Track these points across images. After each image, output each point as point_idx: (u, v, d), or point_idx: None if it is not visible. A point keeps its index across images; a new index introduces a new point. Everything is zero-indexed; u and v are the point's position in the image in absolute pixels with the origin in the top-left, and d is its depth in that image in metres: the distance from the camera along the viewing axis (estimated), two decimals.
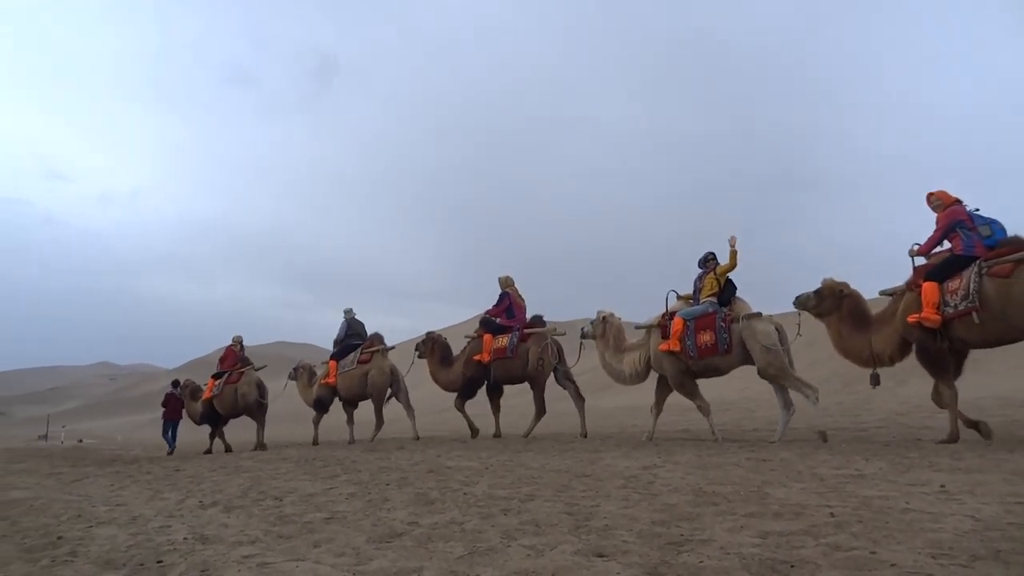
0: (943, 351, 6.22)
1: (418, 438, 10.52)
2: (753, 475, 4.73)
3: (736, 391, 16.65)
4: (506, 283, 10.07)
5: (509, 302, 9.88)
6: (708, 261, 8.19)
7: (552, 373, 9.62)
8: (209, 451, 12.21)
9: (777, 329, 7.54)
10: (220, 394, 12.18)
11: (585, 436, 9.13)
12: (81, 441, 36.56)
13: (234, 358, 12.51)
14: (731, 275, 8.02)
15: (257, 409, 11.83)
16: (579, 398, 9.64)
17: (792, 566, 2.56)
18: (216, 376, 12.58)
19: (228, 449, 12.16)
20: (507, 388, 10.16)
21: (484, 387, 10.00)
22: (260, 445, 11.47)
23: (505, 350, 9.52)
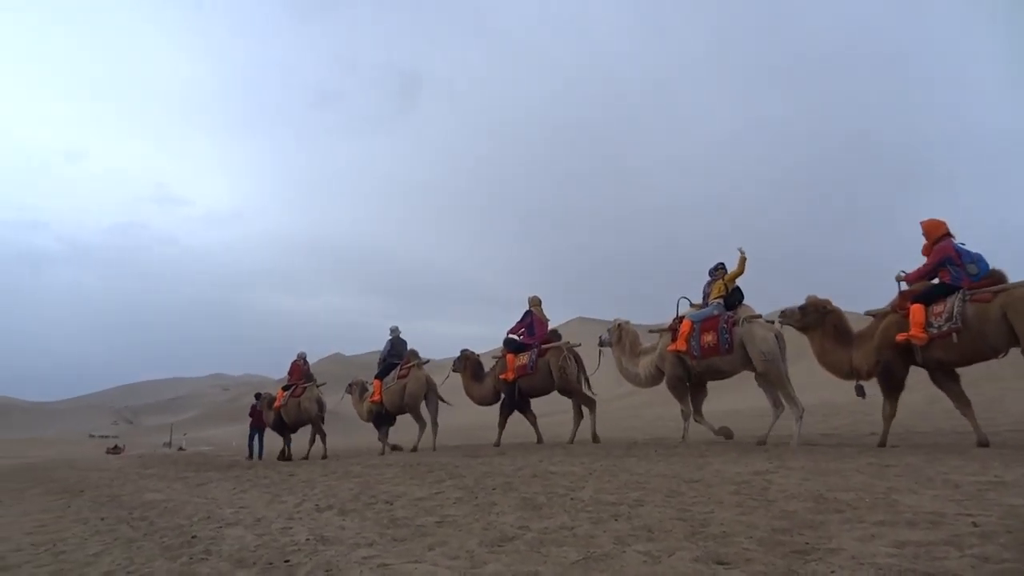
0: (904, 370, 7.03)
1: (415, 449, 11.04)
2: (877, 481, 4.45)
3: (844, 394, 15.80)
4: (533, 302, 10.67)
5: (531, 320, 10.45)
6: (718, 270, 8.75)
7: (576, 375, 10.01)
8: (285, 456, 13.05)
9: (777, 336, 7.98)
10: (286, 405, 13.13)
11: (597, 441, 9.63)
12: (196, 449, 38.98)
13: (299, 373, 13.31)
14: (740, 282, 8.54)
15: (317, 421, 12.70)
16: (591, 402, 10.15)
17: None
18: (285, 388, 13.47)
19: (287, 457, 12.94)
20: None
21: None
22: (324, 454, 12.20)
23: (526, 367, 10.10)
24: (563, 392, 10.16)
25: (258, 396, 16.32)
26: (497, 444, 10.49)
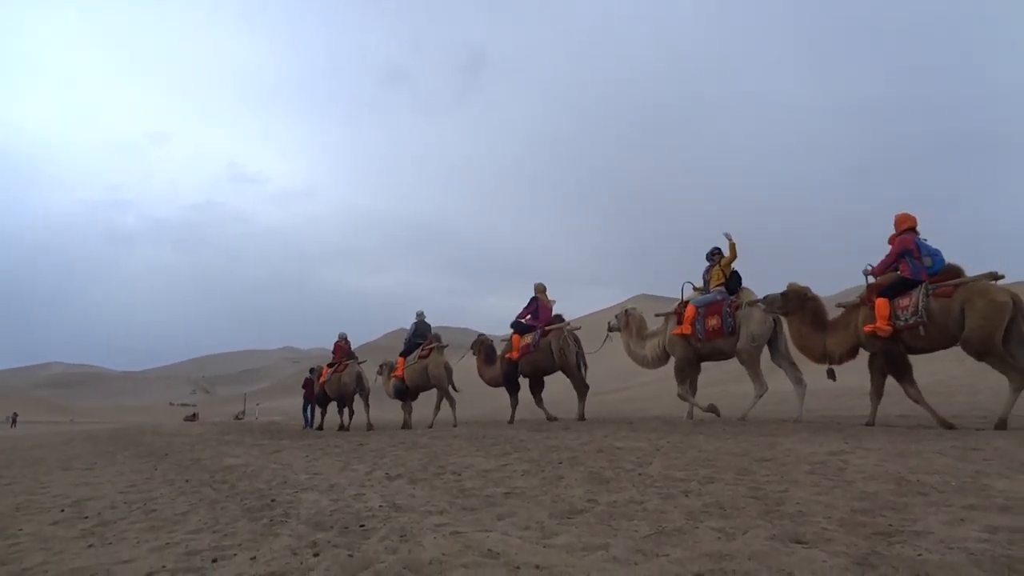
0: (904, 354, 7.29)
1: (431, 426, 11.59)
2: (963, 464, 4.26)
3: (927, 375, 15.14)
4: (538, 289, 11.31)
5: (537, 305, 11.11)
6: (714, 255, 9.40)
7: (575, 357, 10.58)
8: (343, 427, 14.14)
9: (775, 320, 8.62)
10: (329, 381, 14.59)
11: (582, 418, 10.30)
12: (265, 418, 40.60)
13: (341, 352, 14.69)
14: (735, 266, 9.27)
15: (359, 395, 13.91)
16: (583, 386, 10.72)
17: None
18: (329, 365, 14.97)
19: (342, 427, 14.16)
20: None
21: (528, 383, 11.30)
22: (368, 425, 13.43)
23: (530, 346, 10.80)
24: (563, 371, 10.73)
25: (312, 371, 17.78)
26: (511, 421, 11.09)
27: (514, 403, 11.47)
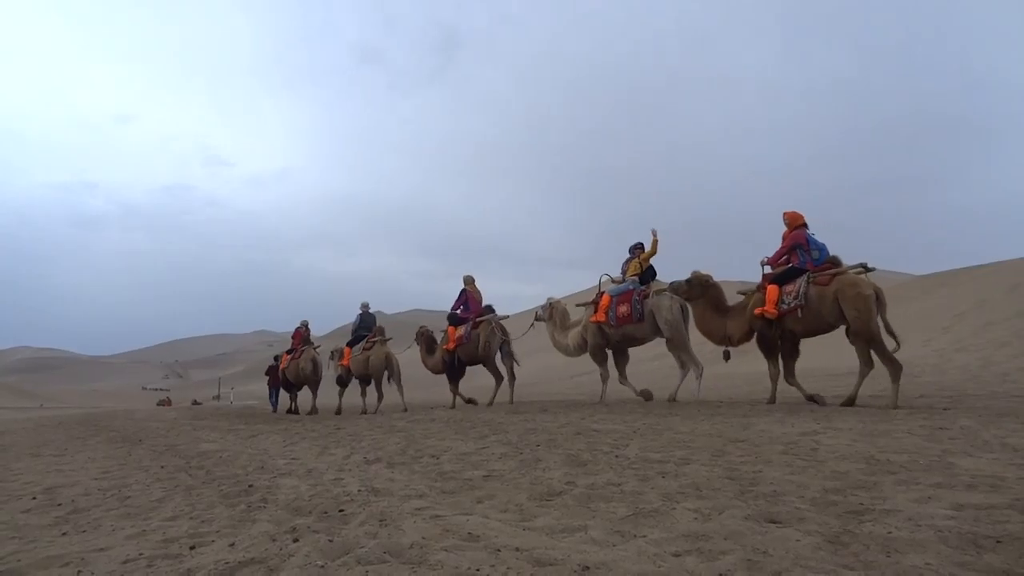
0: (775, 338, 8.26)
1: (405, 410, 11.96)
2: (930, 444, 4.38)
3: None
4: (467, 281, 11.96)
5: (466, 297, 11.76)
6: (636, 249, 10.08)
7: (499, 349, 11.28)
8: (313, 411, 14.80)
9: (682, 307, 9.30)
10: (288, 367, 15.47)
11: (512, 402, 10.87)
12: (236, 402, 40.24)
13: (300, 338, 15.49)
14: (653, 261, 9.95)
15: (312, 381, 14.83)
16: (512, 376, 11.33)
17: (998, 541, 2.34)
18: (288, 352, 15.87)
19: (295, 411, 15.44)
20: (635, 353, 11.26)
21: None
22: (313, 409, 14.78)
23: (463, 338, 11.44)
24: (483, 361, 11.45)
25: (276, 358, 18.23)
26: (452, 407, 11.68)
27: (453, 390, 12.12)
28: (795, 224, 8.30)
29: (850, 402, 7.41)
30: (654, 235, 9.79)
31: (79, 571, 2.80)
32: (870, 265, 7.88)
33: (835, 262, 7.90)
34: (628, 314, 9.57)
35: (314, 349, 15.12)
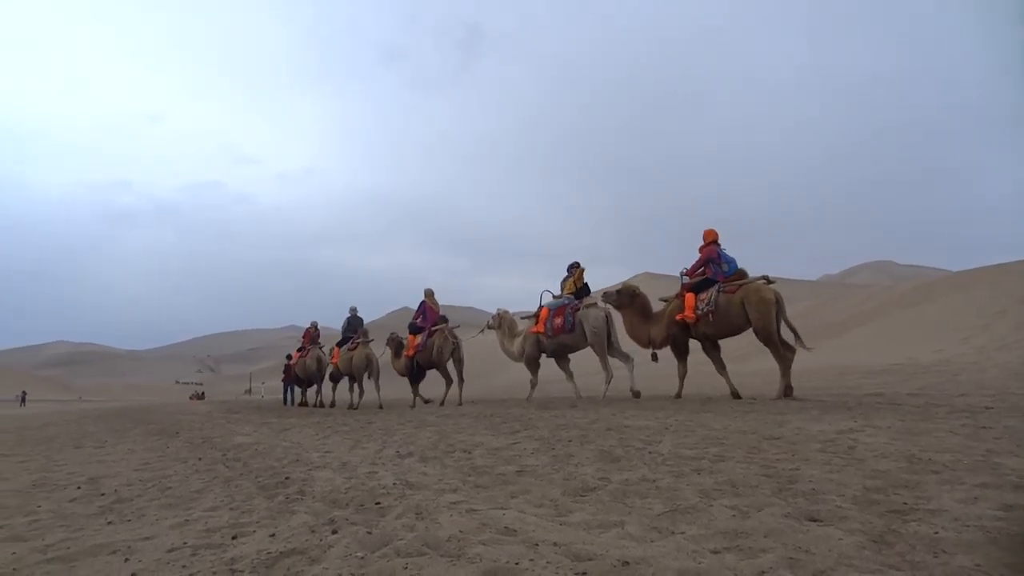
0: (686, 341, 9.55)
1: (380, 407, 13.30)
2: (974, 443, 4.27)
3: (930, 352, 15.15)
4: (427, 294, 13.00)
5: (425, 308, 12.84)
6: (573, 269, 11.22)
7: (451, 355, 12.25)
8: (318, 404, 16.54)
9: (607, 316, 10.36)
10: (298, 364, 17.09)
11: (460, 404, 11.61)
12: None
13: (309, 337, 16.92)
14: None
15: (317, 378, 16.35)
16: (460, 379, 12.35)
17: None
18: (299, 351, 17.30)
19: (304, 404, 17.21)
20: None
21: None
22: (320, 403, 16.41)
23: (420, 346, 12.56)
24: (436, 366, 12.47)
25: (288, 356, 19.76)
26: (412, 406, 12.82)
27: (414, 391, 13.52)
28: (708, 240, 9.52)
29: (779, 395, 8.33)
30: (580, 267, 11.17)
31: (126, 559, 2.87)
32: (772, 277, 8.98)
33: (742, 274, 9.14)
34: (561, 325, 10.64)
35: (320, 349, 16.45)
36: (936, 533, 2.43)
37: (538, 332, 10.99)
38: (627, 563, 2.31)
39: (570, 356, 11.48)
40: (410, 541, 2.69)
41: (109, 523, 3.65)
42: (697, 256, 9.56)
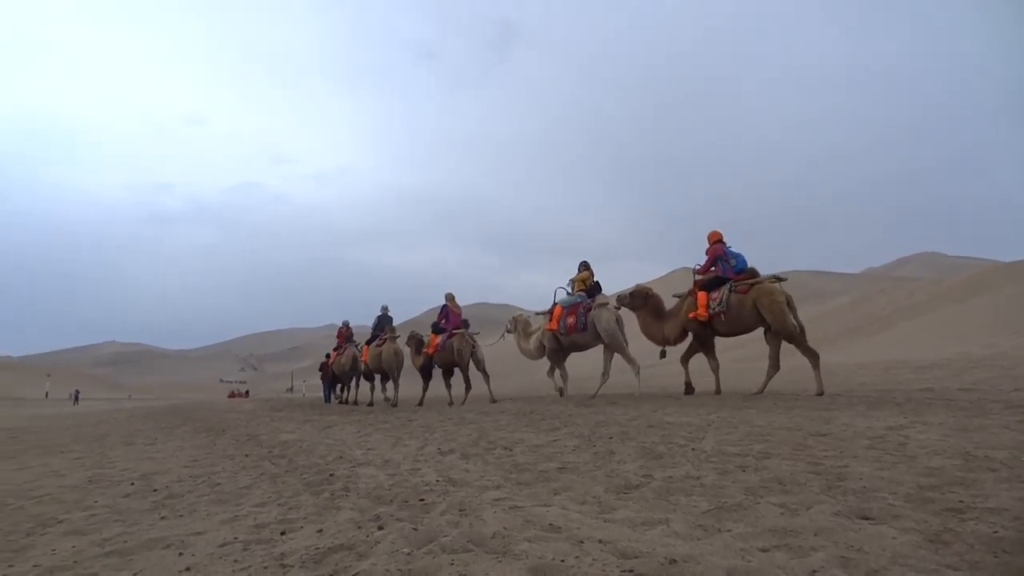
0: (709, 336, 9.76)
1: (395, 404, 13.88)
2: None
3: (982, 346, 14.68)
4: (448, 298, 13.45)
5: (447, 311, 13.26)
6: (584, 269, 11.56)
7: (471, 358, 12.50)
8: (344, 400, 17.46)
9: (617, 319, 10.62)
10: (333, 363, 17.69)
11: (493, 401, 11.71)
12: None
13: (343, 337, 17.47)
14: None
15: (350, 376, 16.81)
16: (485, 376, 12.67)
17: None
18: (335, 349, 17.83)
19: (343, 401, 17.40)
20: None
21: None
22: (345, 400, 17.28)
23: (440, 346, 12.92)
24: (458, 367, 12.70)
25: (328, 356, 20.03)
26: (420, 404, 13.35)
27: (424, 388, 13.98)
28: (713, 240, 9.91)
29: (759, 391, 8.89)
30: (588, 267, 11.59)
31: (180, 553, 2.95)
32: (782, 275, 9.42)
33: (753, 273, 9.42)
34: (574, 324, 10.92)
35: (355, 347, 16.86)
36: (996, 532, 2.36)
37: (553, 329, 11.35)
38: (674, 561, 2.29)
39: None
40: (455, 538, 2.71)
41: (162, 518, 3.76)
42: (705, 258, 9.97)
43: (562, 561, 2.36)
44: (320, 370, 21.31)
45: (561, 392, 11.35)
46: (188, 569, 2.72)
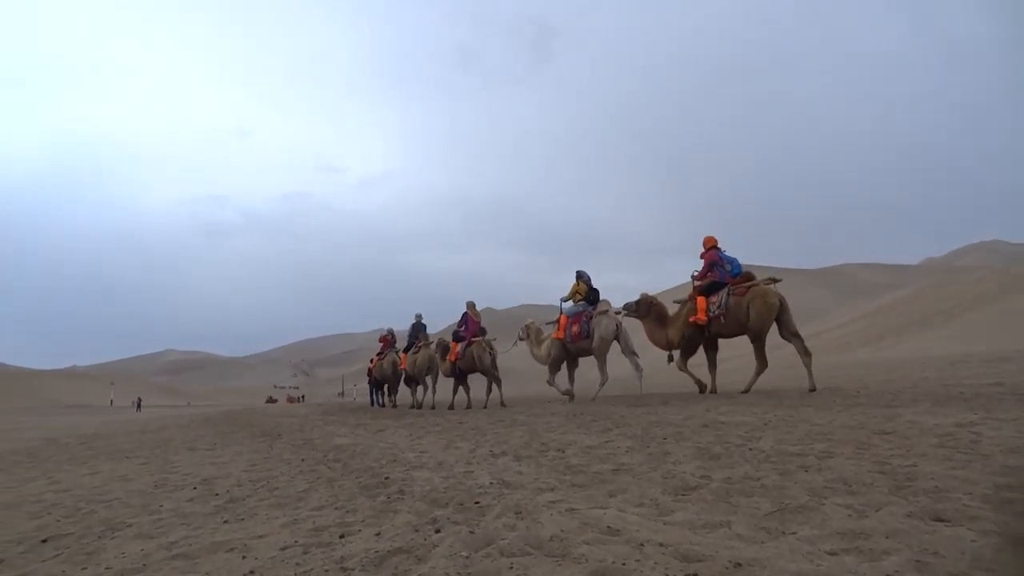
0: (700, 341, 10.26)
1: (419, 407, 14.92)
2: None
3: None
4: (469, 306, 14.13)
5: (467, 319, 13.93)
6: (578, 279, 12.01)
7: (490, 361, 13.23)
8: (385, 404, 18.13)
9: (617, 325, 11.18)
10: (376, 368, 18.45)
11: (503, 405, 12.57)
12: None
13: (386, 343, 18.22)
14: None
15: (391, 381, 17.71)
16: (498, 382, 13.42)
17: None
18: (378, 355, 18.56)
19: (393, 405, 17.76)
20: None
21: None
22: (394, 404, 17.72)
23: (460, 353, 13.77)
24: (482, 372, 13.53)
25: (371, 361, 20.46)
26: (451, 407, 13.87)
27: (455, 391, 14.54)
28: (709, 246, 10.43)
29: (746, 390, 9.30)
30: (581, 278, 11.98)
31: (244, 556, 3.01)
32: (777, 278, 9.94)
33: (749, 276, 9.90)
34: (578, 332, 11.54)
35: (396, 352, 17.61)
36: None
37: (559, 338, 12.03)
38: (739, 565, 2.23)
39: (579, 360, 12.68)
40: (513, 541, 2.69)
41: (225, 522, 3.84)
42: (702, 263, 10.46)
43: (623, 565, 2.32)
44: (368, 375, 21.76)
45: (569, 394, 11.83)
46: (252, 572, 2.77)
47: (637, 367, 11.30)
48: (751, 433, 5.15)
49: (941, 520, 2.55)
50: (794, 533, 2.57)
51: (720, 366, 11.10)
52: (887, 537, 2.40)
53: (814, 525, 2.65)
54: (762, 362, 9.42)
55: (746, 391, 9.21)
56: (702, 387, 10.25)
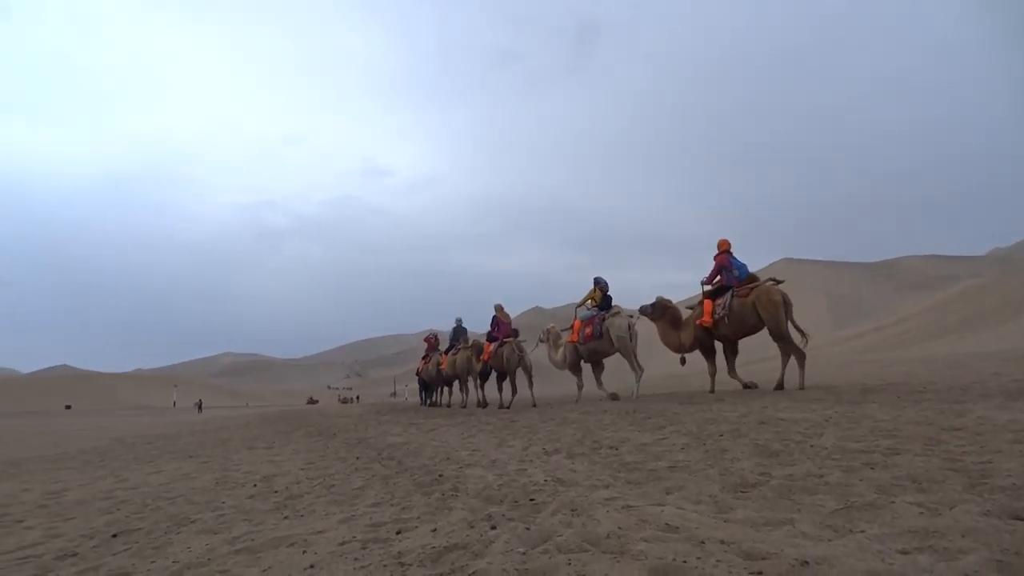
0: (710, 343, 10.69)
1: (464, 406, 15.58)
2: None
3: None
4: (497, 309, 14.56)
5: (497, 321, 14.36)
6: (595, 286, 12.50)
7: (519, 364, 13.53)
8: (435, 403, 19.14)
9: (629, 326, 11.56)
10: (422, 370, 19.82)
11: (534, 406, 12.57)
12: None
13: (430, 346, 19.72)
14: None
15: (436, 381, 18.62)
16: (530, 383, 13.58)
17: None
18: (424, 358, 20.00)
19: (437, 404, 18.97)
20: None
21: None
22: (439, 403, 18.93)
23: (491, 353, 14.17)
24: (507, 373, 13.87)
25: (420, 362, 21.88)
26: (484, 405, 14.76)
27: (500, 390, 14.75)
28: (722, 250, 10.61)
29: (801, 386, 9.12)
30: (597, 285, 12.49)
31: (304, 551, 3.07)
32: (780, 278, 10.15)
33: (753, 279, 10.22)
34: (591, 334, 12.06)
35: (441, 354, 18.20)
36: None
37: (573, 341, 12.63)
38: (806, 563, 2.15)
39: (603, 362, 12.97)
40: (569, 537, 2.67)
41: (285, 518, 3.93)
42: (712, 265, 10.75)
43: (684, 562, 2.27)
44: (417, 375, 22.33)
45: (614, 397, 11.89)
46: (312, 567, 2.81)
47: (637, 369, 11.64)
48: (811, 430, 5.01)
49: (1021, 519, 2.42)
50: (862, 531, 2.48)
51: (741, 368, 11.41)
52: (963, 536, 2.30)
53: (883, 523, 2.55)
54: (799, 354, 9.33)
55: (801, 387, 9.07)
56: (750, 385, 10.37)
